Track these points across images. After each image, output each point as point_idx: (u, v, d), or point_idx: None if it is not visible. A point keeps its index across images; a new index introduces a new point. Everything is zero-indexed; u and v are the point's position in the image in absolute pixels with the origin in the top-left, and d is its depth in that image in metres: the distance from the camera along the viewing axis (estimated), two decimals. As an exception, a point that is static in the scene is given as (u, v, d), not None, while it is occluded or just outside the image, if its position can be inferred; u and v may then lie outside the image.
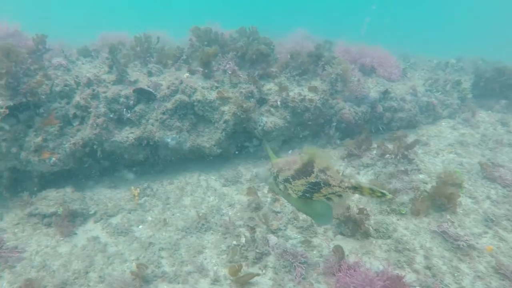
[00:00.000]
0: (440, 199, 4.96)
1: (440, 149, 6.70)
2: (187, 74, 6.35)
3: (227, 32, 8.21)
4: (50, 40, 6.29)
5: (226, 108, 5.98)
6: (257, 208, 5.30)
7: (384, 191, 2.73)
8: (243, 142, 6.53)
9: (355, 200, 5.28)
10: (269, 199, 5.46)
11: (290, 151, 6.64)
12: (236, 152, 6.53)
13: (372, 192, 2.82)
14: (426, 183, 5.63)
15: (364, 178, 5.89)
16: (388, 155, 6.20)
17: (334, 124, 6.56)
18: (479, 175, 5.86)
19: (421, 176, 5.83)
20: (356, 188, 2.85)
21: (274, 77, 6.59)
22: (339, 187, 2.88)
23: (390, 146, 6.40)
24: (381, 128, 6.98)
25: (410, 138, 7.05)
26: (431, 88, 7.83)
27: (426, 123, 7.59)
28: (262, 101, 6.34)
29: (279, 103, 6.25)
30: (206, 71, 6.24)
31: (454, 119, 7.83)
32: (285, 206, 5.24)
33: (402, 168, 5.75)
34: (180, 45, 8.19)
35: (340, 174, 3.56)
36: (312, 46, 7.84)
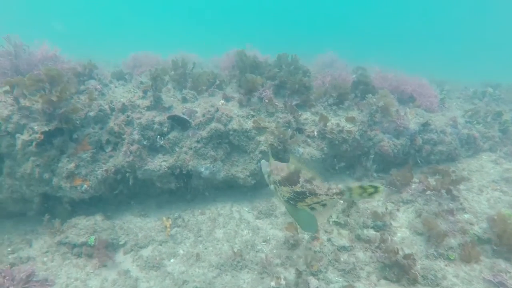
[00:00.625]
0: (496, 245, 4.62)
1: (484, 185, 6.35)
2: (222, 101, 6.20)
3: (263, 57, 8.10)
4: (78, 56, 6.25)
5: (262, 138, 5.79)
6: (295, 245, 5.04)
7: (375, 184, 2.63)
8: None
9: (399, 243, 4.98)
10: (306, 236, 5.19)
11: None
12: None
13: (363, 190, 2.72)
14: (473, 224, 5.28)
15: (404, 216, 5.59)
16: (429, 191, 5.90)
17: (372, 156, 6.29)
18: (529, 217, 5.48)
19: (466, 216, 5.50)
20: (344, 192, 2.79)
21: (311, 106, 6.39)
22: (326, 194, 2.88)
23: (432, 180, 6.11)
24: (419, 161, 6.69)
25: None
26: (472, 119, 7.50)
27: (466, 156, 7.26)
28: (298, 131, 6.13)
29: (316, 133, 6.03)
30: (247, 98, 6.06)
31: (495, 152, 7.47)
32: (325, 245, 4.96)
33: (446, 207, 5.43)
34: (213, 68, 8.12)
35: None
36: (346, 73, 7.63)
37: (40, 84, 5.08)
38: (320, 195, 2.90)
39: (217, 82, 6.97)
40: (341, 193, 2.82)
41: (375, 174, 6.45)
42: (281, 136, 5.70)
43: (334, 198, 2.88)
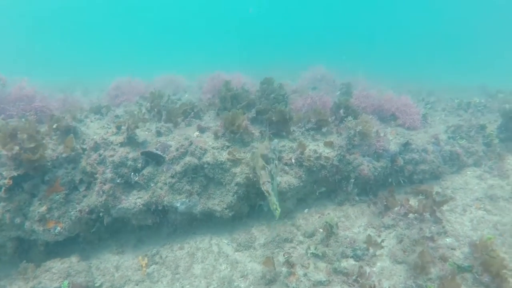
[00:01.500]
0: (478, 274, 4.49)
1: (468, 204, 6.23)
2: (197, 133, 6.13)
3: (248, 80, 8.02)
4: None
5: (238, 169, 5.70)
6: (272, 281, 4.92)
7: (276, 208, 3.97)
8: (257, 201, 6.20)
9: (378, 273, 4.85)
10: (284, 271, 5.07)
11: (306, 210, 6.28)
12: (251, 211, 6.21)
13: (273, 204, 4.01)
14: (454, 249, 5.16)
15: (385, 243, 5.45)
16: (411, 214, 5.79)
17: (352, 180, 6.19)
18: (514, 238, 5.35)
19: (448, 240, 5.38)
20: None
21: (289, 132, 6.30)
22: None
23: (414, 202, 6.01)
24: (402, 181, 6.57)
25: (435, 191, 6.63)
26: (455, 135, 7.39)
27: (450, 173, 7.14)
28: (279, 159, 6.02)
29: (293, 161, 5.93)
30: (224, 131, 5.97)
31: (480, 167, 7.35)
32: (301, 281, 4.83)
33: (428, 233, 5.31)
34: (198, 89, 8.01)
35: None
36: (327, 97, 7.54)
37: (9, 139, 5.06)
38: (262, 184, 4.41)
39: (195, 111, 6.90)
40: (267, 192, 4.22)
41: (357, 198, 6.35)
42: (257, 166, 5.59)
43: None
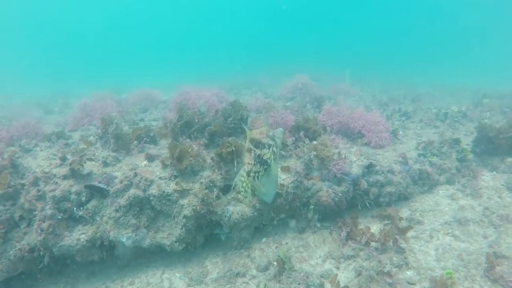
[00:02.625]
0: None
1: (435, 229, 5.88)
2: (145, 162, 5.84)
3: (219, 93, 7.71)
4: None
5: (185, 201, 5.40)
6: (217, 324, 4.61)
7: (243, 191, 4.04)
8: (212, 230, 5.91)
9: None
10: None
11: (264, 239, 5.97)
12: (208, 241, 5.92)
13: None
14: (414, 284, 4.81)
15: (343, 276, 5.12)
16: (373, 243, 5.46)
17: (312, 207, 5.86)
18: (478, 269, 4.98)
19: (408, 273, 5.02)
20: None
21: (241, 161, 5.98)
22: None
23: (379, 226, 5.69)
24: (368, 204, 6.22)
25: (402, 214, 6.29)
26: (425, 151, 7.01)
27: (421, 192, 6.78)
28: (228, 188, 5.73)
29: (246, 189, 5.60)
30: (172, 161, 5.67)
31: (453, 184, 6.98)
32: (246, 325, 4.52)
33: (388, 266, 4.96)
34: (161, 114, 7.72)
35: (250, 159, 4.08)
36: (289, 117, 7.21)
37: None
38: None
39: (151, 135, 6.62)
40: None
41: (318, 225, 6.03)
42: (205, 198, 5.30)
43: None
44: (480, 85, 18.69)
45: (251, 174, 4.02)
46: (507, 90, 15.73)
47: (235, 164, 5.63)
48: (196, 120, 6.30)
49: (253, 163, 4.03)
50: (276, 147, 4.26)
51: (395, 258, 5.22)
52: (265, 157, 4.06)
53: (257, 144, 4.06)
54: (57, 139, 6.62)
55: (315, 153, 5.66)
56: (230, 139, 5.76)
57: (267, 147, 4.09)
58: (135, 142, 6.42)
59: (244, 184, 4.11)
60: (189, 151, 5.55)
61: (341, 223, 5.79)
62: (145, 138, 6.38)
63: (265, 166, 4.11)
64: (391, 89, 18.06)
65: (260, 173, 4.12)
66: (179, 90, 14.50)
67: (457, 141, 7.33)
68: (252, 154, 4.05)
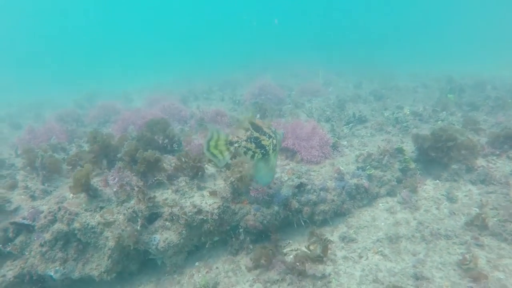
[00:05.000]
0: None
1: (367, 247, 5.88)
2: (73, 195, 5.84)
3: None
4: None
5: (109, 233, 5.42)
6: None
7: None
8: (146, 255, 5.94)
9: None
10: None
11: (197, 263, 6.01)
12: (143, 266, 5.96)
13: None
14: (330, 313, 4.84)
15: (267, 302, 5.16)
16: (299, 266, 5.47)
17: (241, 230, 5.88)
18: (398, 292, 5.00)
19: (328, 298, 5.05)
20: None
21: (172, 184, 6.00)
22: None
23: (313, 247, 5.69)
24: (303, 223, 6.23)
25: (338, 231, 6.31)
26: (365, 164, 6.98)
27: (361, 206, 6.76)
28: (155, 216, 5.75)
29: (172, 216, 5.64)
30: (86, 193, 5.69)
31: (394, 196, 6.96)
32: None
33: (305, 291, 4.99)
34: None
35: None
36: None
37: None
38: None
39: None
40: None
41: (251, 246, 6.03)
42: (128, 229, 5.33)
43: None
44: (459, 73, 18.62)
45: (236, 145, 4.39)
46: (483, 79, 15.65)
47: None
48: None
49: (244, 139, 4.40)
50: (276, 142, 4.75)
51: (319, 283, 5.24)
52: (263, 143, 4.49)
53: (257, 128, 4.46)
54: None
55: (238, 176, 5.63)
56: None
57: (267, 136, 4.52)
58: (70, 168, 6.42)
59: (219, 149, 4.40)
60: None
61: (263, 248, 5.78)
62: (78, 167, 6.37)
63: (262, 151, 4.54)
64: (365, 83, 17.93)
65: (256, 155, 4.53)
66: (147, 98, 14.53)
67: (400, 150, 7.28)
68: (248, 133, 4.42)
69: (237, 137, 4.41)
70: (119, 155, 6.54)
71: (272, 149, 4.64)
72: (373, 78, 19.43)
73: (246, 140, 4.40)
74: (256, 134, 4.42)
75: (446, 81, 16.93)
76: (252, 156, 4.53)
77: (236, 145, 4.39)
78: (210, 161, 5.87)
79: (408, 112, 9.37)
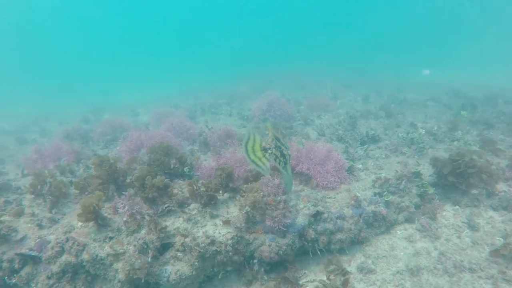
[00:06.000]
0: None
1: (387, 280, 5.61)
2: (81, 223, 5.64)
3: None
4: None
5: (119, 265, 5.20)
6: None
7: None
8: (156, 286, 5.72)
9: None
10: None
11: (209, 293, 5.77)
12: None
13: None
14: None
15: None
16: (317, 300, 5.22)
17: (256, 261, 5.64)
18: (422, 331, 4.73)
19: (349, 337, 4.78)
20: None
21: (183, 212, 5.78)
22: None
23: (323, 279, 5.45)
24: (319, 252, 5.98)
25: (355, 261, 6.05)
26: (382, 189, 6.73)
27: (378, 234, 6.50)
28: (166, 246, 5.52)
29: (185, 247, 5.41)
30: (94, 222, 5.49)
31: (413, 223, 6.69)
32: None
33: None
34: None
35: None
36: (233, 154, 6.97)
37: None
38: None
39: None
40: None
41: (265, 277, 5.79)
42: (138, 261, 5.10)
43: None
44: (466, 83, 18.37)
45: (269, 151, 4.81)
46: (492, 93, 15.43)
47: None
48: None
49: (273, 146, 4.82)
50: (289, 154, 5.06)
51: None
52: (284, 152, 4.89)
53: (279, 139, 4.89)
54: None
55: (248, 208, 5.42)
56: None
57: (285, 147, 4.96)
58: (78, 192, 6.23)
59: (257, 155, 4.82)
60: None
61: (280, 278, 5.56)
62: (86, 192, 6.19)
63: (284, 159, 4.91)
64: (373, 96, 17.76)
65: (280, 161, 4.91)
66: (154, 112, 14.38)
67: (417, 175, 7.04)
68: (274, 143, 4.84)
69: (269, 143, 4.82)
70: (128, 180, 6.36)
71: (289, 160, 5.01)
72: (381, 91, 19.22)
73: (274, 148, 4.79)
74: (279, 144, 4.83)
75: (455, 95, 16.74)
76: (279, 163, 4.90)
77: (270, 151, 4.79)
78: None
79: (423, 132, 9.13)
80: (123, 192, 5.95)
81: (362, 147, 8.49)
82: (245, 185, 5.85)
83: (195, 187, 5.90)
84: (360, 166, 7.79)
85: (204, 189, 5.87)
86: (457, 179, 6.81)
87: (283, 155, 4.86)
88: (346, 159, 7.77)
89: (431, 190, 6.95)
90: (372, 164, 7.92)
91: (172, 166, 6.63)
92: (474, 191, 7.03)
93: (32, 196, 6.47)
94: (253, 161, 4.77)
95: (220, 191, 6.19)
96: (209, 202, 5.93)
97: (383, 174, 7.12)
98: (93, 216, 5.41)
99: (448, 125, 10.46)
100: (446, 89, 19.35)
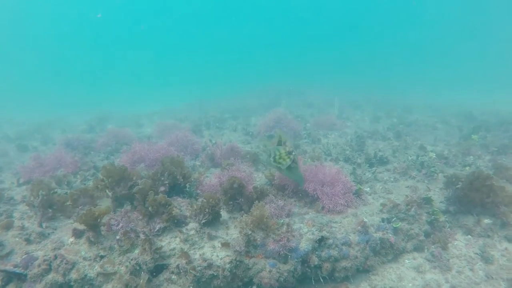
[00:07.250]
0: None
1: (394, 315, 5.23)
2: (72, 239, 5.36)
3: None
4: None
5: (109, 286, 4.89)
6: None
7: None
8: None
9: None
10: None
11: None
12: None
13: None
14: None
15: None
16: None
17: (255, 287, 5.30)
18: None
19: None
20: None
21: (180, 231, 5.49)
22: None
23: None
24: (321, 279, 5.62)
25: (360, 290, 5.68)
26: (390, 215, 6.39)
27: (385, 262, 6.13)
28: (160, 268, 5.21)
29: (180, 269, 5.09)
30: (91, 235, 5.21)
31: (422, 252, 6.33)
32: None
33: None
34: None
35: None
36: (239, 171, 6.70)
37: None
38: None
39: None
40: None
41: (264, 304, 5.42)
42: (130, 283, 4.78)
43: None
44: (473, 103, 18.01)
45: (294, 153, 5.97)
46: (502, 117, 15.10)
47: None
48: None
49: (292, 150, 6.02)
50: (296, 155, 6.12)
51: None
52: (295, 157, 5.99)
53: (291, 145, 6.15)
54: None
55: (249, 231, 5.12)
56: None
57: (295, 152, 6.03)
58: (71, 204, 5.96)
59: (282, 157, 5.95)
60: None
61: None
62: (80, 207, 5.91)
63: (294, 164, 5.99)
64: (381, 116, 17.47)
65: (294, 164, 6.02)
66: (157, 124, 14.20)
67: (428, 200, 6.70)
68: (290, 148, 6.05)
69: (290, 147, 6.03)
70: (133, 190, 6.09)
71: (297, 159, 6.16)
72: (390, 111, 18.92)
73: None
74: (292, 149, 6.03)
75: (466, 118, 16.42)
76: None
77: (294, 153, 5.94)
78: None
79: (433, 156, 8.80)
80: (118, 209, 5.68)
81: (370, 169, 8.17)
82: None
83: (195, 207, 5.63)
84: (368, 189, 7.47)
85: (206, 207, 5.59)
86: (479, 195, 6.48)
87: (295, 159, 6.02)
88: (353, 181, 7.45)
89: (442, 218, 6.60)
90: (380, 187, 7.59)
91: (178, 181, 6.38)
92: (488, 221, 6.66)
93: (27, 207, 6.22)
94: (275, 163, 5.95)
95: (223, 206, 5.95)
96: (210, 221, 5.64)
97: (392, 200, 6.77)
98: (94, 223, 5.15)
99: (458, 148, 10.13)
100: (454, 111, 19.07)
